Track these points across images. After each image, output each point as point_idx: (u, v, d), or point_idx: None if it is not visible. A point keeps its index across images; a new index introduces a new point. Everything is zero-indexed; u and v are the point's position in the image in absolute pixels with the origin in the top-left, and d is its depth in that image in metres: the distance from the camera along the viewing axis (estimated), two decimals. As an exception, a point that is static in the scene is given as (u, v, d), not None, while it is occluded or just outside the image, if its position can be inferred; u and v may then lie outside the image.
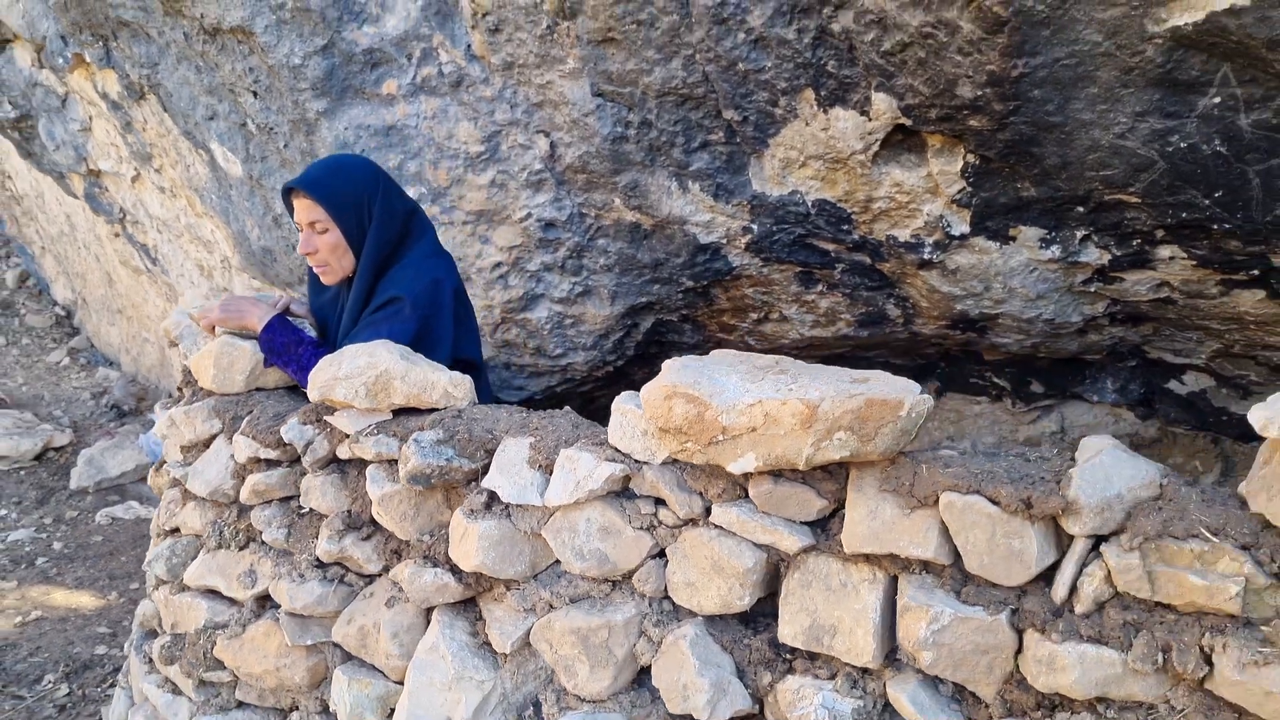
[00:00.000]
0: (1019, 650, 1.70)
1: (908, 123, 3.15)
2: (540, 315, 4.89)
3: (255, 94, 4.74)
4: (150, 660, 2.69)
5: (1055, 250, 3.49)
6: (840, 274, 4.33)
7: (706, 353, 5.44)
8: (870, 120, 3.26)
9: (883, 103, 3.13)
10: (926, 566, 1.78)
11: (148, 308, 7.78)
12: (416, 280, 2.62)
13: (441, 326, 2.63)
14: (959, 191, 3.39)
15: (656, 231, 4.43)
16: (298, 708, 2.39)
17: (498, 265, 4.76)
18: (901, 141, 3.34)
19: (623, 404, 1.99)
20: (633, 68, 3.72)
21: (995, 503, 1.69)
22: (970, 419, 5.72)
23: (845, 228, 3.96)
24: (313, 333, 2.84)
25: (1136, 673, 1.59)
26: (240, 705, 2.45)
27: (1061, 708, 1.68)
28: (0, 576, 6.08)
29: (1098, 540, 1.66)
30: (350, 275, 2.72)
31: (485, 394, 2.91)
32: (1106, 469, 1.66)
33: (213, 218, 5.66)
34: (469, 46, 4.06)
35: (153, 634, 2.73)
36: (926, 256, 3.78)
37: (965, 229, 3.57)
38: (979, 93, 2.87)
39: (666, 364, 1.97)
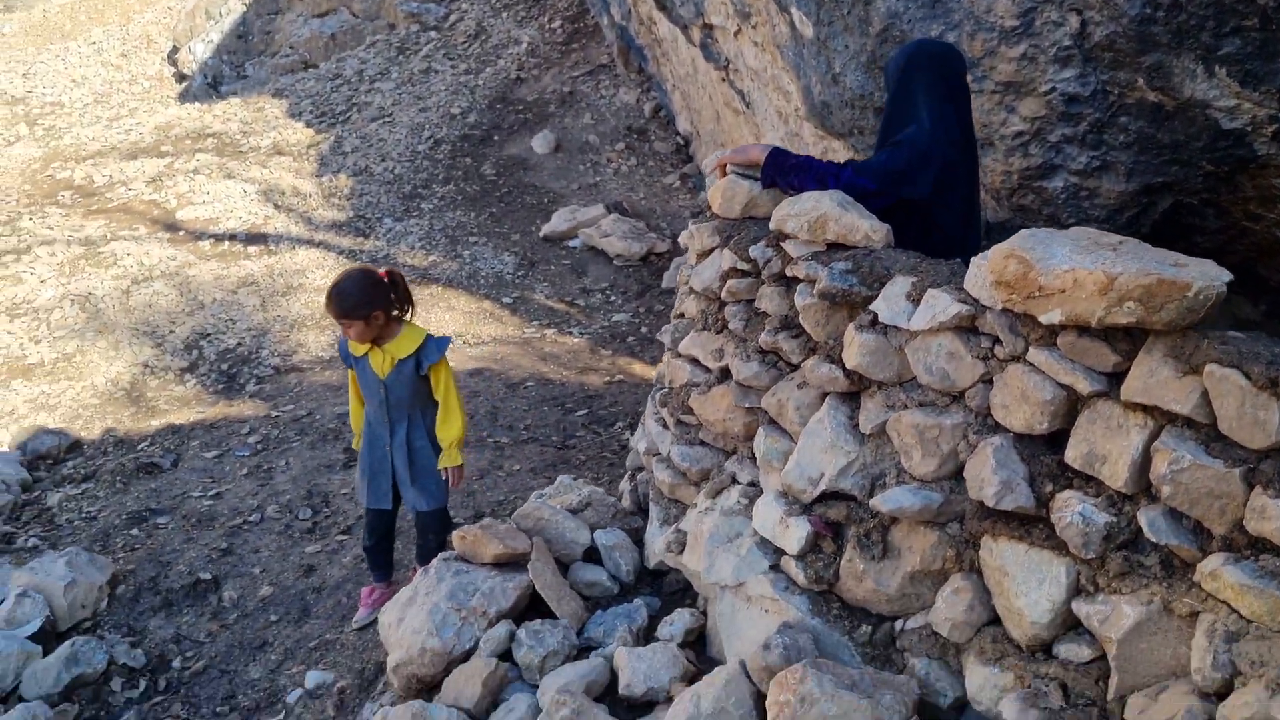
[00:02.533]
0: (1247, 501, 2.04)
1: None
2: (1056, 185, 5.15)
3: (829, -36, 5.43)
4: (654, 403, 3.76)
5: None
6: (1382, 173, 4.12)
7: (1230, 240, 5.41)
8: None
9: None
10: (1188, 423, 2.14)
11: (742, 144, 9.01)
12: (921, 138, 3.24)
13: (921, 179, 3.22)
14: None
15: (1178, 113, 4.49)
16: (735, 451, 3.30)
17: (1019, 134, 5.09)
18: None
19: (979, 260, 2.51)
20: (1169, -53, 3.82)
21: (1248, 377, 2.01)
22: None
23: (1388, 125, 3.80)
24: None
25: (1331, 533, 1.88)
26: (702, 443, 3.42)
27: (1268, 551, 2.00)
28: (601, 345, 7.80)
29: (1340, 424, 1.93)
30: None
31: (964, 244, 3.44)
32: (1357, 366, 1.90)
33: (789, 72, 6.56)
34: (1013, -76, 4.38)
35: (660, 385, 3.80)
36: None
37: None
38: None
39: (1020, 232, 2.44)
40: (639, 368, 7.28)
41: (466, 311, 8.43)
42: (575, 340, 7.82)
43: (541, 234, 9.57)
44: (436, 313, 8.39)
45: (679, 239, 3.78)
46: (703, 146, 10.57)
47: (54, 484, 5.88)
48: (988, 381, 2.52)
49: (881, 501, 2.65)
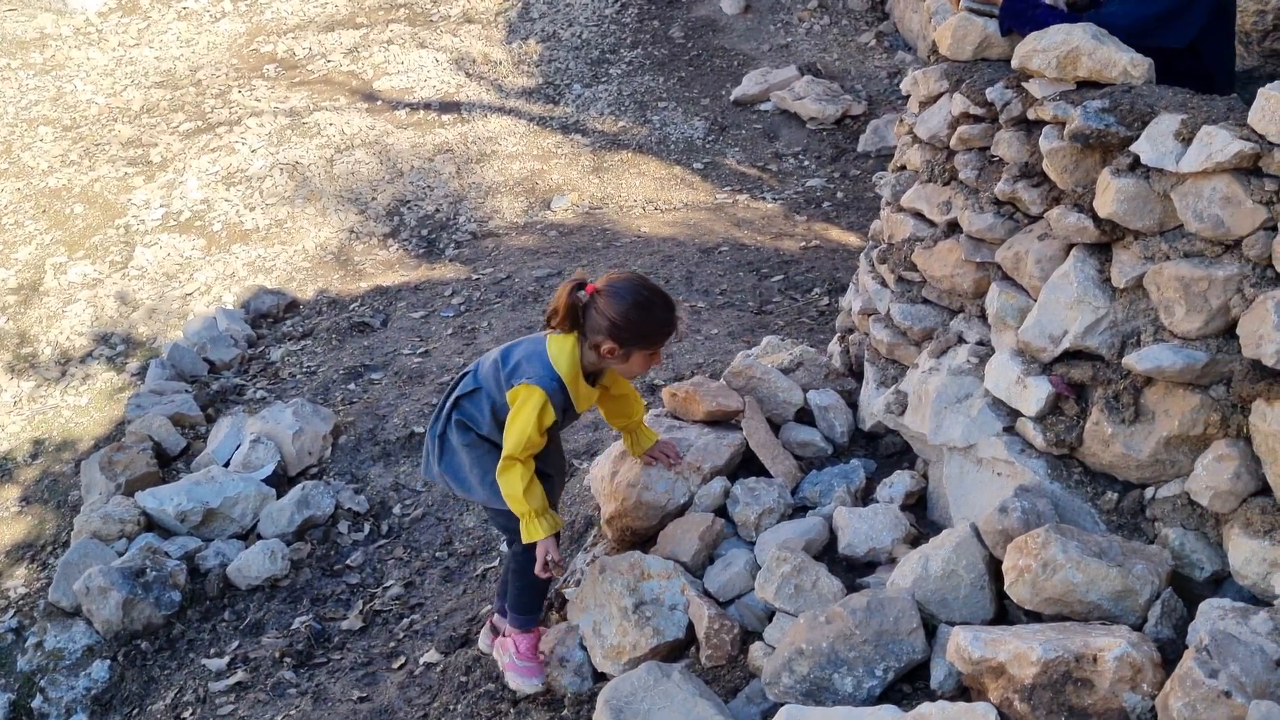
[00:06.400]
0: None
1: None
2: (1322, 23, 4.60)
3: None
4: (871, 260, 3.59)
5: None
6: None
7: None
8: None
9: None
10: None
11: (947, -3, 8.44)
12: None
13: (1179, 27, 2.94)
14: None
15: None
16: (963, 309, 3.12)
17: (1281, -36, 4.54)
18: None
19: (1269, 90, 2.23)
20: None
21: None
22: None
23: None
24: None
25: None
26: (925, 301, 3.26)
27: None
28: (796, 210, 7.59)
29: None
30: None
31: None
32: None
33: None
34: None
35: (876, 243, 3.63)
36: None
37: None
38: None
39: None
40: (836, 233, 7.06)
41: (657, 177, 8.33)
42: (768, 206, 7.63)
43: (732, 98, 9.29)
44: (627, 179, 8.33)
45: (901, 86, 3.54)
46: (900, 3, 9.98)
47: (275, 340, 6.20)
48: (1270, 229, 2.27)
49: (1136, 360, 2.45)
